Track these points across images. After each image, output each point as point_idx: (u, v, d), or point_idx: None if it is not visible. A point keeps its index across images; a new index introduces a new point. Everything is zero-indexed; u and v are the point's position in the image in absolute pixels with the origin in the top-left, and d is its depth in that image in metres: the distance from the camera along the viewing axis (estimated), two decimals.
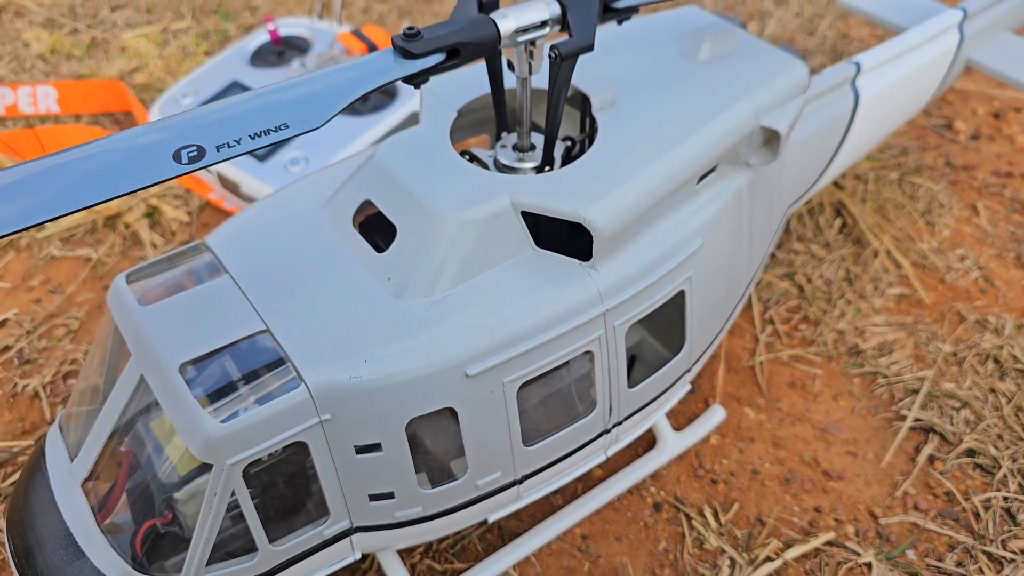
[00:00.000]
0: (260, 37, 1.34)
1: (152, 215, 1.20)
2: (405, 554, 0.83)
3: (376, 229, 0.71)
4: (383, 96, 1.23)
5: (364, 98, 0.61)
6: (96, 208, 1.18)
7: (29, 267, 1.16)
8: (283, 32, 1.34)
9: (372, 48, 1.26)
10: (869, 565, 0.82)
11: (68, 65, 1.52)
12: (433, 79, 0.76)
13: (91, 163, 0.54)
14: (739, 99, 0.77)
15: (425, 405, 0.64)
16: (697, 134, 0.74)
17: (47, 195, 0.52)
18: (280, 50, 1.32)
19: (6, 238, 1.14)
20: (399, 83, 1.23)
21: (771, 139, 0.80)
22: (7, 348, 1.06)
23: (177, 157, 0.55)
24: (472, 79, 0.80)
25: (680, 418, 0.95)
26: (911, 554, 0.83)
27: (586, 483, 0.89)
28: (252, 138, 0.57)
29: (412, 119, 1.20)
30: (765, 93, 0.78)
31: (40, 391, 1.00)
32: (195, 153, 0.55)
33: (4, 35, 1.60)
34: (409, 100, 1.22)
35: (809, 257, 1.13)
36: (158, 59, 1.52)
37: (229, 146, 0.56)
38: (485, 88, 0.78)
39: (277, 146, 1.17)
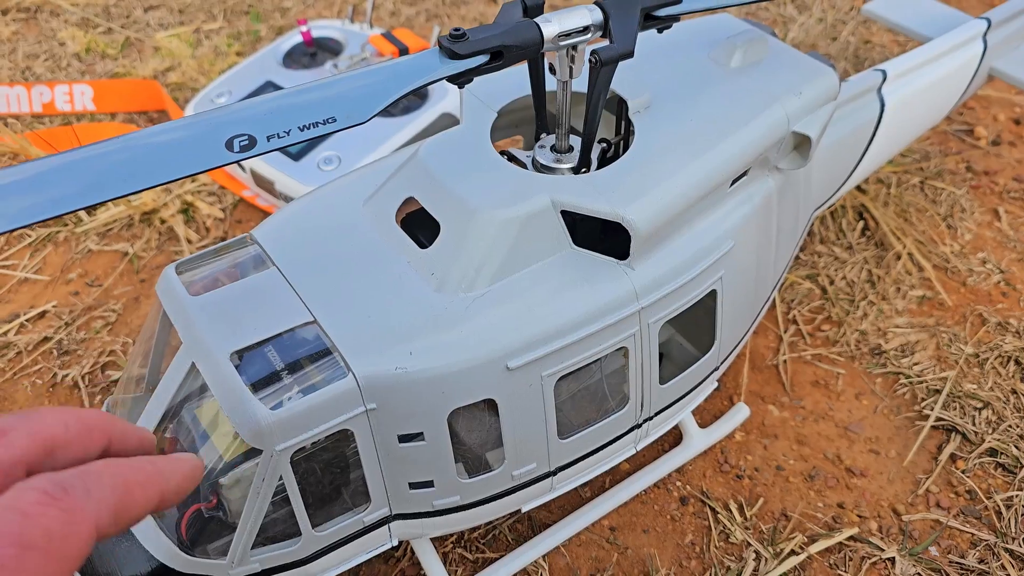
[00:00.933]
0: (293, 38, 1.36)
1: (187, 211, 1.23)
2: (438, 543, 0.85)
3: (418, 225, 0.73)
4: (415, 98, 1.26)
5: (408, 96, 0.64)
6: (133, 204, 1.21)
7: (67, 260, 1.18)
8: (316, 34, 1.36)
9: (403, 50, 1.29)
10: (892, 560, 0.84)
11: (103, 64, 1.55)
12: (474, 81, 0.79)
13: (148, 148, 0.57)
14: (771, 105, 0.79)
15: (467, 396, 0.66)
16: (731, 138, 0.75)
17: (106, 177, 0.54)
18: (313, 51, 1.34)
19: (49, 222, 1.17)
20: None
21: (802, 144, 0.82)
22: (46, 339, 1.08)
23: (229, 145, 0.57)
24: (511, 81, 0.82)
25: (705, 415, 0.97)
26: (934, 550, 0.85)
27: (614, 477, 0.91)
28: (301, 130, 0.59)
29: (443, 120, 1.22)
30: (797, 99, 0.80)
31: (79, 381, 1.03)
32: (246, 142, 0.58)
33: (40, 34, 1.64)
34: (440, 102, 1.24)
35: (832, 259, 1.14)
36: (191, 59, 1.54)
37: (279, 136, 0.59)
38: (523, 90, 0.80)
39: (311, 145, 1.19)
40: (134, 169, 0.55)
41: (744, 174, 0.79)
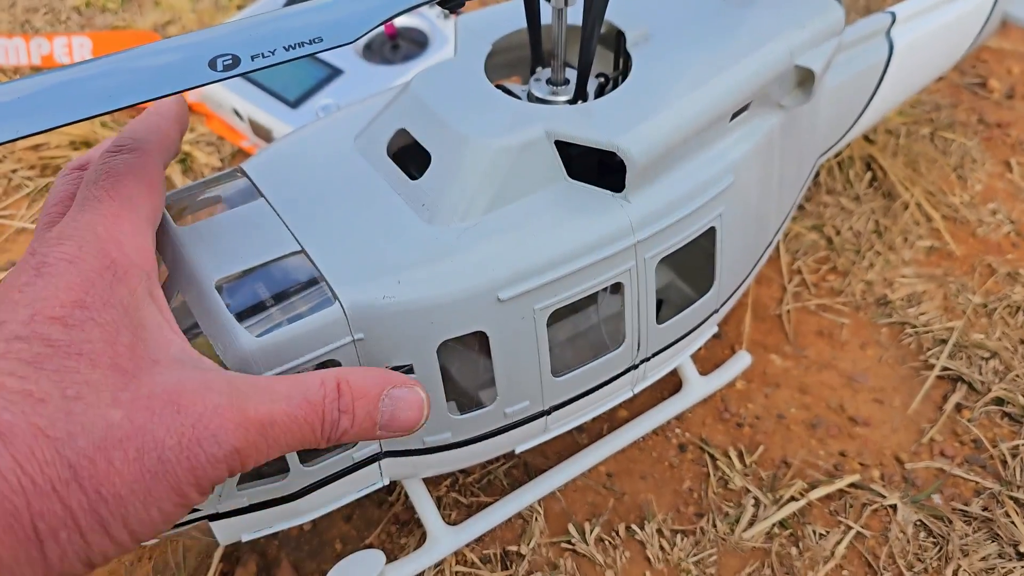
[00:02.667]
0: None
1: (185, 161, 1.22)
2: (431, 486, 0.84)
3: (409, 159, 0.72)
4: (414, 46, 1.24)
5: (398, 16, 0.62)
6: None
7: None
8: None
9: None
10: (894, 507, 0.82)
11: (103, 18, 1.54)
12: (467, 15, 0.77)
13: (131, 68, 0.55)
14: (774, 37, 0.77)
15: (457, 328, 0.65)
16: (732, 70, 0.73)
17: (89, 95, 0.53)
18: None
19: (47, 172, 1.15)
20: (431, 33, 1.23)
21: (805, 79, 0.80)
22: None
23: (212, 65, 0.56)
24: (506, 15, 0.80)
25: (706, 364, 0.95)
26: (937, 498, 0.83)
27: (611, 423, 0.90)
28: (287, 49, 0.57)
29: None
30: (800, 32, 0.78)
31: None
32: (230, 62, 0.56)
33: None
34: (440, 50, 1.22)
35: (839, 209, 1.12)
36: (191, 12, 1.52)
37: (264, 56, 0.57)
38: (518, 25, 0.78)
39: (309, 93, 1.17)
40: (119, 87, 0.54)
41: (745, 109, 0.77)
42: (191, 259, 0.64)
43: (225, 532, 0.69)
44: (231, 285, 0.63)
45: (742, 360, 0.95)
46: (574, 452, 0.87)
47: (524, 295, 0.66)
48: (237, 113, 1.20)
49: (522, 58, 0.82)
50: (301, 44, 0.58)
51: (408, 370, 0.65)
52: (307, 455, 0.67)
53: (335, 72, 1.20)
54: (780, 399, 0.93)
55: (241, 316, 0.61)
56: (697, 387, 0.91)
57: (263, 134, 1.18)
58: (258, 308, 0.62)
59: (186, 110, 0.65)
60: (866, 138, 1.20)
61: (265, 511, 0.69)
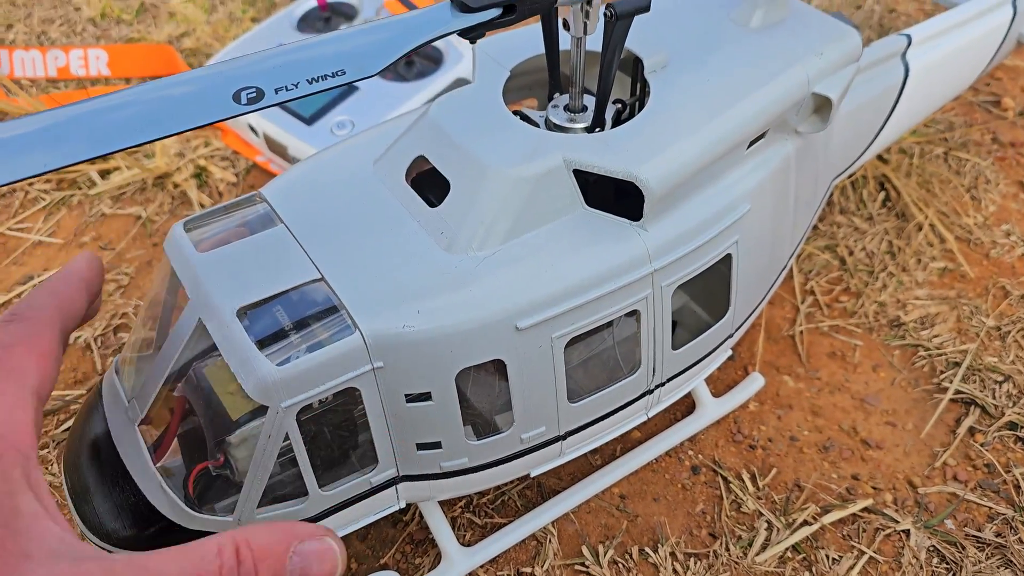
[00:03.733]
0: (307, 3, 1.35)
1: (200, 175, 1.22)
2: (446, 507, 0.84)
3: (428, 185, 0.72)
4: (428, 62, 1.24)
5: (417, 50, 0.62)
6: (146, 167, 1.21)
7: (81, 224, 1.18)
8: None
9: None
10: (907, 532, 0.83)
11: (118, 29, 1.55)
12: (486, 40, 0.77)
13: (157, 100, 0.56)
14: (792, 65, 0.77)
15: (475, 356, 0.65)
16: (749, 98, 0.74)
17: (115, 128, 0.54)
18: (327, 16, 1.33)
19: (63, 185, 1.17)
20: (445, 49, 1.23)
21: (822, 106, 0.80)
22: None
23: (237, 98, 0.56)
24: (524, 40, 0.80)
25: (719, 385, 0.95)
26: (949, 523, 0.84)
27: (625, 445, 0.90)
28: (310, 82, 0.58)
29: (457, 85, 1.21)
30: (818, 60, 0.78)
31: (91, 343, 1.03)
32: (254, 95, 0.57)
33: None
34: (455, 67, 1.23)
35: (852, 230, 1.12)
36: (205, 25, 1.53)
37: (287, 89, 0.58)
38: (536, 49, 0.78)
39: (324, 110, 1.18)
40: (142, 120, 0.55)
41: (762, 136, 0.77)
42: (211, 286, 0.64)
43: None
44: (252, 313, 0.63)
45: (755, 382, 0.95)
46: (588, 473, 0.87)
47: (542, 324, 0.66)
48: (252, 129, 1.21)
49: (539, 81, 0.83)
50: (324, 77, 0.59)
51: (426, 397, 0.66)
52: (325, 479, 0.68)
53: (350, 89, 1.20)
54: (792, 421, 0.93)
55: (262, 344, 0.62)
56: (710, 409, 0.92)
57: (278, 150, 1.18)
58: (279, 336, 0.63)
59: (99, 271, 0.64)
60: (880, 158, 1.20)
61: None
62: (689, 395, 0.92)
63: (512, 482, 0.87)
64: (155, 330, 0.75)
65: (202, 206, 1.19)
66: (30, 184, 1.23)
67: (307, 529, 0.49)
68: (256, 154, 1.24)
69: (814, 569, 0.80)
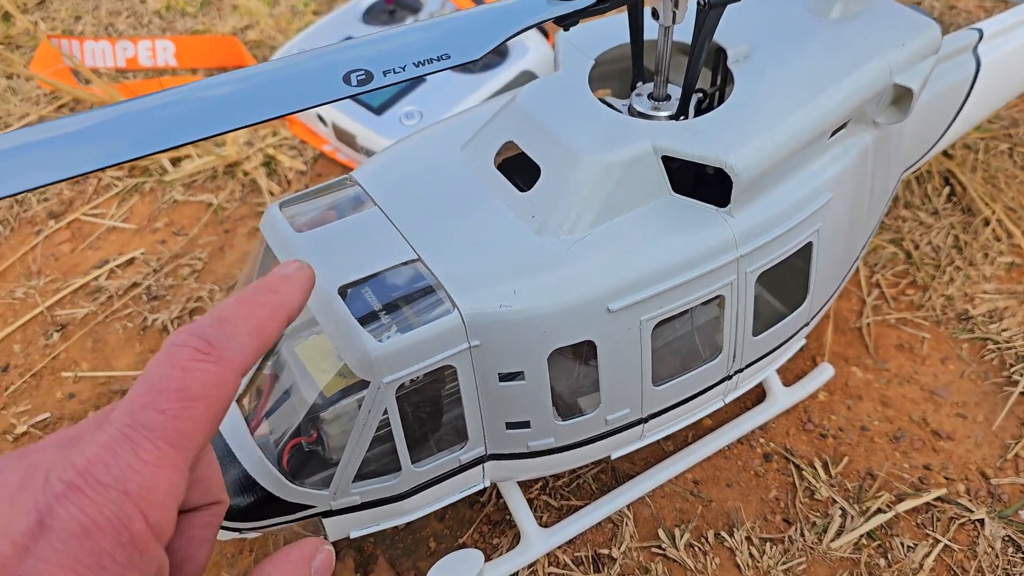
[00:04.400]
0: None
1: (269, 164, 1.25)
2: (523, 489, 0.86)
3: (513, 171, 0.74)
4: (494, 55, 1.26)
5: (520, 34, 0.64)
6: (218, 155, 1.23)
7: (153, 210, 1.21)
8: None
9: None
10: (982, 522, 0.83)
11: (183, 22, 1.58)
12: (570, 30, 0.79)
13: (265, 82, 0.58)
14: (874, 56, 0.77)
15: (568, 336, 0.67)
16: (834, 88, 0.74)
17: (225, 109, 0.55)
18: (392, 8, 1.35)
19: (136, 172, 1.19)
20: (511, 43, 1.25)
21: (902, 97, 0.80)
22: (135, 285, 1.11)
23: (347, 80, 0.58)
24: (605, 30, 0.82)
25: (788, 375, 0.96)
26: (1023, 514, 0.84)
27: (696, 432, 0.91)
28: (416, 65, 0.60)
29: (522, 78, 1.22)
30: (899, 51, 0.79)
31: (168, 325, 1.05)
32: (363, 77, 0.59)
33: None
34: (520, 59, 1.24)
35: (917, 224, 1.13)
36: (268, 17, 1.56)
37: (395, 72, 0.60)
38: (618, 40, 0.80)
39: (393, 99, 1.20)
40: (254, 102, 0.57)
41: (843, 126, 0.78)
42: (312, 265, 0.66)
43: (336, 528, 0.71)
44: (352, 291, 0.65)
45: (825, 372, 0.96)
46: (661, 459, 0.89)
47: (632, 306, 0.67)
48: (321, 118, 1.23)
49: (618, 71, 0.84)
50: (430, 60, 0.60)
51: (518, 376, 0.67)
52: (417, 455, 0.69)
53: (418, 80, 1.22)
54: (862, 411, 0.93)
55: (363, 321, 0.63)
56: (781, 398, 0.93)
57: (347, 139, 1.21)
58: (379, 314, 0.65)
59: (308, 292, 0.50)
60: (944, 153, 1.20)
61: (373, 510, 0.71)
62: (758, 385, 0.92)
63: (587, 466, 0.88)
64: None
65: (271, 194, 1.21)
66: (102, 170, 1.26)
67: (312, 544, 0.48)
68: (323, 143, 1.26)
69: (889, 556, 0.81)
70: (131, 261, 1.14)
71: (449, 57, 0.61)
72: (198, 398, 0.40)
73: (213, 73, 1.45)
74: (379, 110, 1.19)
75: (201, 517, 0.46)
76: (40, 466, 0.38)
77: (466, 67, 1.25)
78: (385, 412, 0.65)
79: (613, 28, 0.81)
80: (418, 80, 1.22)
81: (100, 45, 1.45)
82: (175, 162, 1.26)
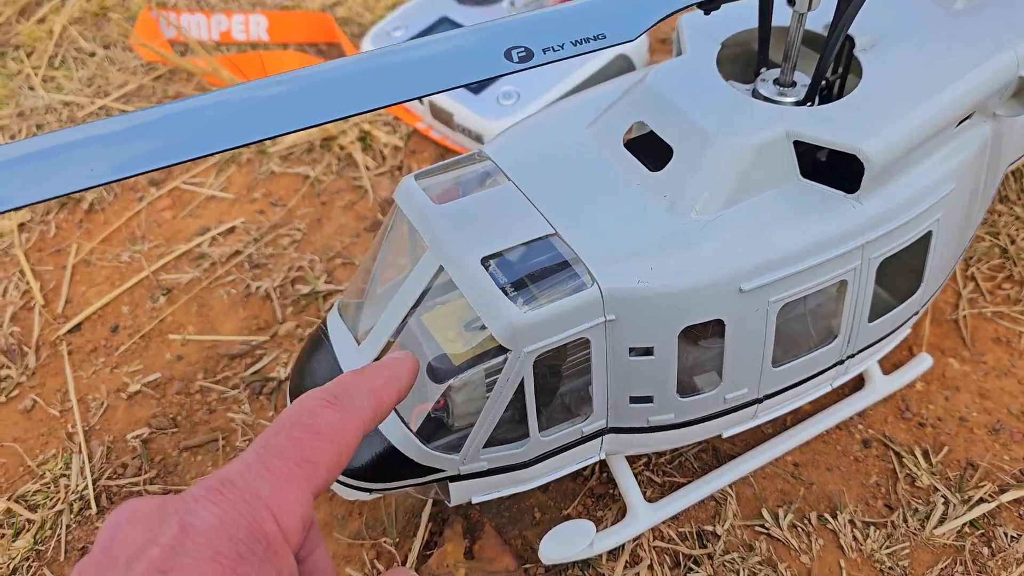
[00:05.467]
0: None
1: (365, 139, 1.27)
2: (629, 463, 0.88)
3: (639, 151, 0.75)
4: None
5: (672, 15, 0.65)
6: (313, 129, 1.25)
7: (251, 181, 1.24)
8: None
9: None
10: None
11: None
12: (689, 15, 0.80)
13: (424, 57, 0.59)
14: (1002, 47, 0.78)
15: (700, 314, 0.68)
16: (963, 78, 0.75)
17: (391, 82, 0.57)
18: None
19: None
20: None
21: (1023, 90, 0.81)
22: (238, 252, 1.14)
23: (508, 56, 0.60)
24: (726, 16, 0.82)
25: (886, 364, 0.97)
26: None
27: (795, 417, 0.92)
28: (574, 44, 0.61)
29: (618, 62, 1.24)
30: None
31: (271, 293, 1.08)
32: (524, 54, 0.60)
33: None
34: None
35: (1013, 218, 1.12)
36: None
37: (554, 50, 0.61)
38: (743, 25, 0.81)
39: (491, 80, 1.21)
40: (416, 76, 0.58)
41: (968, 116, 0.78)
42: (454, 236, 0.68)
43: (459, 493, 0.74)
44: (494, 262, 0.67)
45: (923, 362, 0.96)
46: (760, 441, 0.90)
47: (763, 288, 0.69)
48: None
49: (737, 56, 0.85)
50: (587, 40, 0.62)
51: (649, 352, 0.69)
52: (544, 424, 0.71)
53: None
54: (960, 402, 0.94)
55: (505, 292, 0.65)
56: (880, 385, 0.93)
57: (443, 117, 1.22)
58: (519, 285, 0.66)
59: (412, 382, 0.57)
60: None
61: (498, 476, 0.73)
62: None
63: (689, 444, 0.90)
64: (374, 277, 0.79)
65: (367, 168, 1.23)
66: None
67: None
68: (416, 120, 1.28)
69: (993, 545, 0.82)
70: (232, 230, 1.17)
71: (604, 37, 0.62)
72: (325, 436, 0.45)
73: (304, 48, 1.47)
74: (477, 89, 1.21)
75: None
76: (177, 496, 0.42)
77: None
78: (521, 381, 0.67)
79: (736, 12, 0.81)
80: None
81: (195, 18, 1.48)
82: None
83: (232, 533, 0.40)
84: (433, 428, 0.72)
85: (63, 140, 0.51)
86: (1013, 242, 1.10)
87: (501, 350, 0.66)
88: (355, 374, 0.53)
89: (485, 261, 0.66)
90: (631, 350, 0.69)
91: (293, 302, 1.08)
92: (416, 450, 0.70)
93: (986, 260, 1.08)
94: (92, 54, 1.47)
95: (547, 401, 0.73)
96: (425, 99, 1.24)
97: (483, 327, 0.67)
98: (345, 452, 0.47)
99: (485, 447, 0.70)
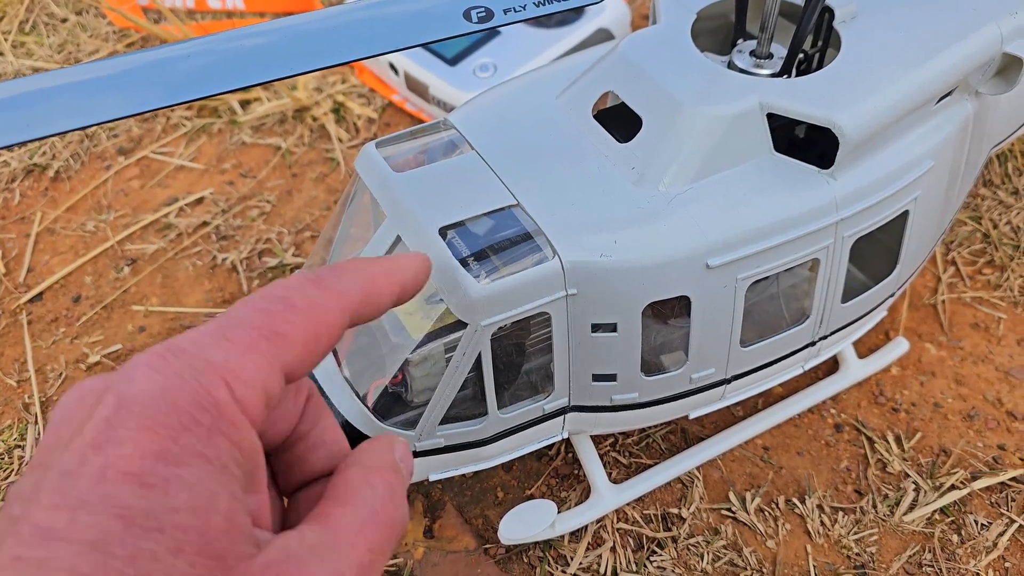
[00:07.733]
0: None
1: (338, 111, 1.24)
2: (595, 443, 0.86)
3: (608, 122, 0.73)
4: (570, 11, 1.24)
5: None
6: (287, 100, 1.23)
7: (221, 151, 1.21)
8: None
9: None
10: None
11: None
12: None
13: (380, 16, 0.57)
14: (986, 23, 0.76)
15: (665, 290, 0.66)
16: (945, 53, 0.73)
17: (345, 40, 0.55)
18: None
19: (205, 112, 1.19)
20: None
21: (1009, 67, 0.78)
22: (204, 224, 1.11)
23: (467, 16, 0.57)
24: None
25: (861, 347, 0.95)
26: None
27: (767, 399, 0.90)
28: (537, 5, 0.59)
29: (599, 35, 1.21)
30: (1012, 19, 0.77)
31: (237, 265, 1.06)
32: (484, 14, 0.58)
33: None
34: (596, 17, 1.22)
35: (996, 203, 1.11)
36: None
37: (515, 11, 0.59)
38: None
39: (467, 51, 1.19)
40: (370, 34, 0.56)
41: (949, 93, 0.76)
42: (413, 204, 0.66)
43: (417, 470, 0.71)
44: (453, 232, 0.65)
45: (899, 346, 0.94)
46: (730, 424, 0.88)
47: (731, 264, 0.67)
48: (393, 67, 1.22)
49: (714, 28, 0.83)
50: (551, 0, 0.59)
51: (611, 328, 0.67)
52: (503, 401, 0.69)
53: (493, 32, 1.21)
54: (935, 388, 0.92)
55: (463, 263, 0.63)
56: (855, 369, 0.92)
57: (418, 89, 1.20)
58: (479, 256, 0.64)
59: (422, 281, 0.48)
60: None
61: (455, 453, 0.71)
62: (833, 354, 0.92)
63: (657, 425, 0.88)
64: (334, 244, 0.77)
65: (340, 140, 1.20)
66: (172, 110, 1.26)
67: (388, 436, 0.46)
68: (392, 93, 1.26)
69: (962, 532, 0.80)
70: (200, 200, 1.14)
71: None
72: (299, 309, 0.38)
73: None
74: (453, 61, 1.18)
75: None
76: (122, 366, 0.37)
77: (542, 22, 1.25)
78: (479, 356, 0.65)
79: None
80: (493, 33, 1.21)
81: None
82: (244, 104, 1.26)
83: (174, 401, 0.35)
84: (390, 403, 0.70)
85: (40, 85, 0.48)
86: (996, 227, 1.08)
87: (460, 324, 0.64)
88: (351, 260, 0.45)
89: (444, 231, 0.64)
90: (593, 326, 0.67)
91: (260, 275, 1.05)
92: (371, 425, 0.68)
93: (967, 244, 1.07)
94: (64, 20, 1.43)
95: (511, 379, 0.70)
96: (400, 71, 1.21)
97: (442, 300, 0.65)
98: (324, 332, 0.39)
99: (442, 423, 0.68)
